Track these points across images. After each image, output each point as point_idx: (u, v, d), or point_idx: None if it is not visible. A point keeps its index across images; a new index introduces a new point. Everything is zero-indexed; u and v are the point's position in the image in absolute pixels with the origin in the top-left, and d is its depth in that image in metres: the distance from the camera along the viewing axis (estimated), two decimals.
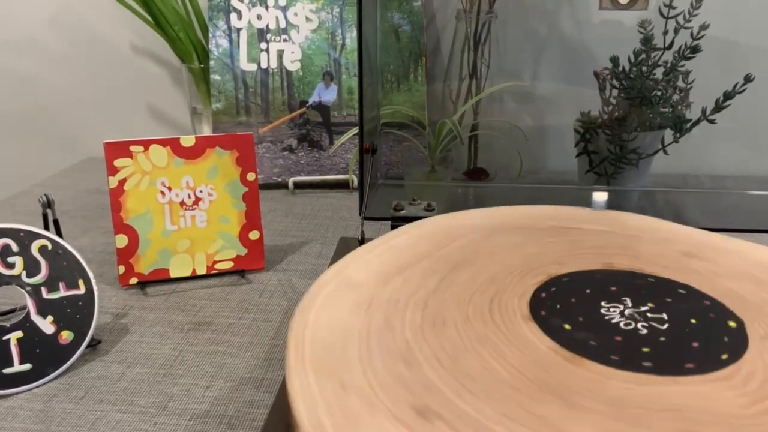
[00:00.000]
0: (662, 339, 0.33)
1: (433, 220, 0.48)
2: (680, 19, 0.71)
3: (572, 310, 0.36)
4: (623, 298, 0.37)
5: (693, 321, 0.35)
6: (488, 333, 0.34)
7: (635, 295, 0.37)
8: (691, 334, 0.34)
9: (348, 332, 0.33)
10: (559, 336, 0.33)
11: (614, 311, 0.36)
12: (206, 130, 0.90)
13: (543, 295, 0.37)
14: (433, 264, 0.41)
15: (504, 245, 0.44)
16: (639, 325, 0.34)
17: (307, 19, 0.85)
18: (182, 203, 0.58)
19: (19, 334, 0.45)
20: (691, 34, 0.71)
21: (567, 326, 0.34)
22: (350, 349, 0.32)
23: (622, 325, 0.34)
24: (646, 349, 0.32)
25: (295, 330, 0.33)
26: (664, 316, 0.35)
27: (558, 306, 0.36)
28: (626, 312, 0.36)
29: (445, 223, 0.48)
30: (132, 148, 0.56)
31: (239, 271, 0.61)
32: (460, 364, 0.31)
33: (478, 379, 0.30)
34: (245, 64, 0.85)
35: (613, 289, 0.38)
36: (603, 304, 0.36)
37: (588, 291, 0.38)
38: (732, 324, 0.35)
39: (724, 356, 0.32)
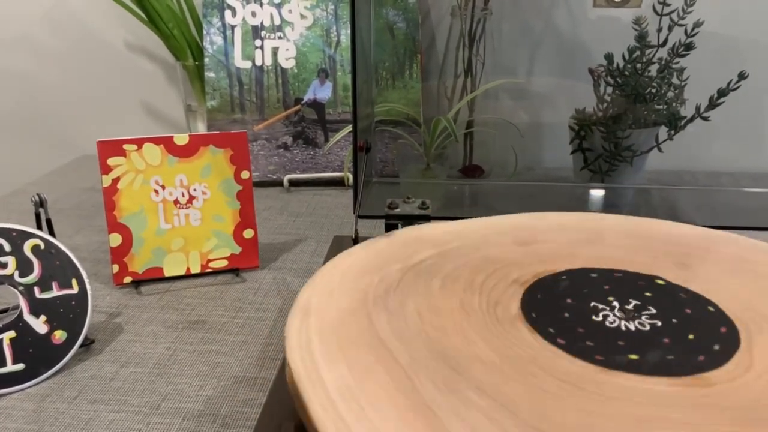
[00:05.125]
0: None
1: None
2: (674, 16, 0.71)
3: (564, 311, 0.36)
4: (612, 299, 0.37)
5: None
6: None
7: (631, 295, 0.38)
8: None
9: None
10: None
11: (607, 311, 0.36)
12: (201, 128, 0.90)
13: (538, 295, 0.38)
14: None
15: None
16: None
17: (302, 16, 0.85)
18: (176, 202, 0.58)
19: (11, 334, 0.45)
20: (685, 32, 0.71)
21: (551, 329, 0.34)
22: None
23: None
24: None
25: None
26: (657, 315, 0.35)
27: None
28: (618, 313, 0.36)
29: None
30: (125, 146, 0.56)
31: (234, 270, 0.60)
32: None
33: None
34: (240, 62, 0.84)
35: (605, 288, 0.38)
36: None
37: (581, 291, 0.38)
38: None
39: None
